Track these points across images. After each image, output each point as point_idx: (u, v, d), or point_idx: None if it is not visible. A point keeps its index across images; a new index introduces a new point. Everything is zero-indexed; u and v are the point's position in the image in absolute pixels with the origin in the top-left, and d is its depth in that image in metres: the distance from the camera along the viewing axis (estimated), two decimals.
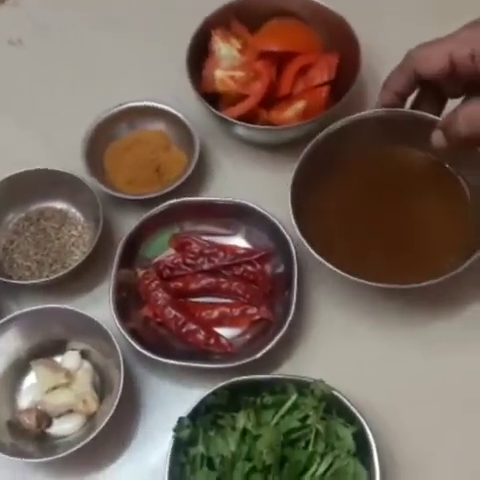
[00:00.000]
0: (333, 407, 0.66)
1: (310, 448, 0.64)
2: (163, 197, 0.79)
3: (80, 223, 0.82)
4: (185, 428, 0.65)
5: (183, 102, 0.85)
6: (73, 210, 0.82)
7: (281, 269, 0.77)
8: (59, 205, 0.83)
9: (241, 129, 0.81)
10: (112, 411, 0.66)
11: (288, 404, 0.66)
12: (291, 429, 0.64)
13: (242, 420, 0.65)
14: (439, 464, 0.69)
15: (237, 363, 0.70)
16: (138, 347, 0.70)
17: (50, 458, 0.66)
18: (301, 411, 0.65)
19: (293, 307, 0.71)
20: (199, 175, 0.85)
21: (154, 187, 0.82)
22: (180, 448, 0.65)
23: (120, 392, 0.67)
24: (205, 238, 0.80)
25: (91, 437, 0.66)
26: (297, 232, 0.72)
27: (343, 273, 0.70)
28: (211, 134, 0.87)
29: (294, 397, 0.66)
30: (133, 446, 0.71)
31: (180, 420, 0.65)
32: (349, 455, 0.63)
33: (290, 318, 0.71)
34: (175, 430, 0.65)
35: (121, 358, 0.68)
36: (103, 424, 0.66)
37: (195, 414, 0.66)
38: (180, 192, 0.80)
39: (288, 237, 0.74)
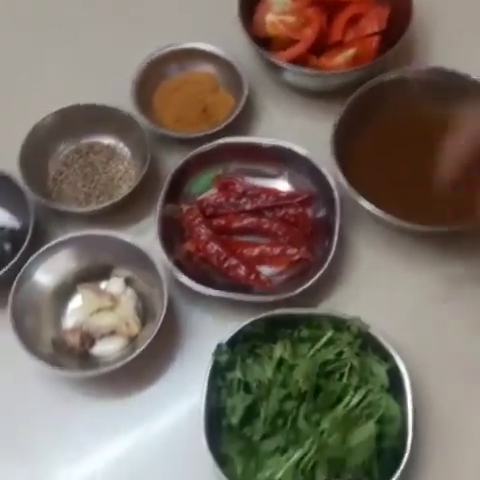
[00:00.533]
0: (368, 344, 0.68)
1: (344, 380, 0.66)
2: (209, 137, 0.81)
3: (127, 159, 0.84)
4: (223, 353, 0.68)
5: (233, 47, 0.86)
6: (121, 146, 0.85)
7: (322, 214, 0.78)
8: (108, 140, 0.85)
9: (290, 74, 0.82)
10: (154, 334, 0.69)
11: (324, 339, 0.68)
12: (326, 361, 0.67)
13: (279, 350, 0.67)
14: (474, 404, 0.70)
15: (276, 297, 0.72)
16: (181, 277, 0.73)
17: (91, 373, 0.70)
18: (336, 346, 0.67)
19: (334, 247, 0.73)
20: (245, 119, 0.86)
21: (201, 127, 0.83)
22: (218, 373, 0.68)
23: (162, 317, 0.70)
24: (248, 180, 0.82)
25: (132, 356, 0.68)
26: (339, 176, 0.74)
27: (382, 214, 0.72)
28: (259, 80, 0.88)
29: (330, 333, 0.68)
30: (171, 371, 0.74)
31: (219, 345, 0.68)
32: (382, 390, 0.66)
33: (331, 256, 0.73)
34: (214, 354, 0.68)
35: (165, 287, 0.71)
36: (144, 346, 0.69)
37: (233, 342, 0.69)
38: (226, 134, 0.82)
39: (331, 180, 0.76)
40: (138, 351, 0.69)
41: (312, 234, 0.78)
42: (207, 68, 0.87)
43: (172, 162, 0.82)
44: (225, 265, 0.75)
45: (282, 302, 0.72)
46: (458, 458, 0.69)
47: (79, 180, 0.83)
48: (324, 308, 0.75)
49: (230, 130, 0.83)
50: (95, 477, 0.70)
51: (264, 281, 0.75)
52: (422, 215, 0.72)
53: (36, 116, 0.82)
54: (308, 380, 0.65)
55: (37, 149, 0.81)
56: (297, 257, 0.76)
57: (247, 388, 0.67)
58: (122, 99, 0.83)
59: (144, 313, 0.75)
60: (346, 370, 0.66)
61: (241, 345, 0.69)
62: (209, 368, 0.67)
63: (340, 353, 0.67)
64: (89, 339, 0.73)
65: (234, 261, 0.75)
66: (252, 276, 0.75)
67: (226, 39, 0.86)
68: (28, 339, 0.70)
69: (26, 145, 0.80)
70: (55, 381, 0.74)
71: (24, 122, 0.82)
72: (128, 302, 0.74)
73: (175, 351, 0.75)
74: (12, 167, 0.79)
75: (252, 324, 0.69)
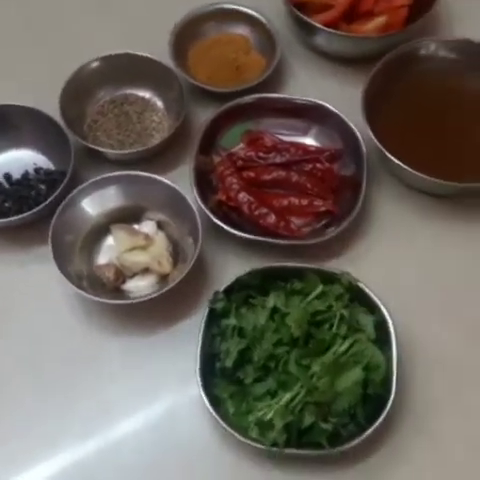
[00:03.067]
0: (356, 298, 0.71)
1: (334, 330, 0.68)
2: (241, 93, 0.84)
3: (161, 111, 0.87)
4: (219, 301, 0.70)
5: (267, 11, 0.90)
6: (155, 99, 0.88)
7: (348, 171, 0.82)
8: (143, 93, 0.88)
9: (323, 36, 0.86)
10: (187, 271, 0.72)
11: (315, 292, 0.70)
12: (317, 311, 0.69)
13: (272, 300, 0.70)
14: (457, 355, 0.74)
15: (301, 242, 0.76)
16: (215, 219, 0.76)
17: (121, 302, 0.73)
18: (327, 299, 0.70)
19: (360, 202, 0.77)
20: (275, 81, 0.90)
21: (232, 84, 0.86)
22: (214, 320, 0.70)
23: (195, 257, 0.72)
24: (277, 136, 0.84)
25: (164, 290, 0.71)
26: (368, 131, 0.78)
27: (409, 169, 0.75)
28: (290, 44, 0.93)
29: (321, 287, 0.70)
30: (194, 315, 0.75)
31: (215, 293, 0.71)
32: (369, 341, 0.68)
33: (357, 211, 0.76)
34: (210, 302, 0.71)
35: (200, 227, 0.73)
36: (175, 282, 0.71)
37: (230, 291, 0.71)
38: (257, 92, 0.85)
39: (359, 135, 0.80)
40: (169, 286, 0.72)
41: (338, 189, 0.81)
42: (241, 30, 0.91)
43: (204, 116, 0.85)
44: (256, 213, 0.78)
45: (304, 251, 0.76)
46: (440, 406, 0.72)
47: (113, 128, 0.86)
48: (342, 264, 0.77)
49: (261, 90, 0.86)
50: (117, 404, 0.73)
51: (293, 229, 0.78)
52: (446, 175, 0.76)
53: (76, 64, 0.84)
54: (300, 327, 0.67)
55: (77, 94, 0.84)
56: (323, 209, 0.79)
57: (241, 334, 0.69)
58: (158, 54, 0.86)
59: (174, 257, 0.78)
60: (336, 320, 0.69)
61: (237, 294, 0.72)
62: (205, 315, 0.70)
63: (330, 306, 0.70)
64: (122, 275, 0.76)
65: (264, 210, 0.78)
66: (282, 224, 0.78)
67: (261, 2, 0.90)
68: (65, 268, 0.73)
69: (67, 88, 0.83)
70: (87, 312, 0.76)
71: (65, 69, 0.84)
72: (161, 242, 0.77)
73: (201, 295, 0.77)
74: (53, 110, 0.81)
75: (249, 274, 0.72)
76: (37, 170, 0.83)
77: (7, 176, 0.82)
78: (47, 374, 0.74)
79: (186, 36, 0.89)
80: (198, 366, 0.68)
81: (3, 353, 0.75)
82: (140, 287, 0.76)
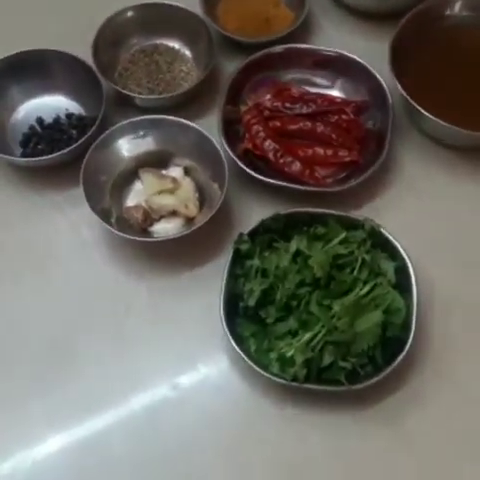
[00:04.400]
0: (378, 245, 0.72)
1: (355, 274, 0.70)
2: (269, 44, 0.86)
3: (190, 61, 0.89)
4: (244, 242, 0.72)
5: None
6: (185, 49, 0.89)
7: (374, 123, 0.83)
8: (172, 43, 0.89)
9: None
10: (212, 213, 0.74)
11: (338, 238, 0.71)
12: (339, 255, 0.71)
13: (294, 244, 0.71)
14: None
15: (322, 189, 0.78)
16: (241, 164, 0.78)
17: (148, 239, 0.76)
18: (350, 244, 0.71)
19: (384, 155, 0.78)
20: (303, 35, 0.91)
21: (261, 36, 0.88)
22: (238, 261, 0.72)
23: (221, 202, 0.74)
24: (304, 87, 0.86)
25: (189, 230, 0.74)
26: (394, 82, 0.79)
27: (436, 119, 0.77)
28: (318, 0, 0.93)
29: (344, 233, 0.71)
30: (218, 258, 0.77)
31: (240, 235, 0.73)
32: (389, 285, 0.70)
33: (381, 160, 0.78)
34: (235, 243, 0.73)
35: (226, 172, 0.75)
36: (201, 223, 0.74)
37: (254, 234, 0.73)
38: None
39: (385, 85, 0.81)
40: (195, 226, 0.74)
41: (363, 141, 0.82)
42: None
43: (231, 68, 0.87)
44: (281, 161, 0.80)
45: (329, 200, 0.77)
46: (459, 350, 0.73)
47: (143, 77, 0.87)
48: (358, 211, 0.78)
49: (289, 43, 0.86)
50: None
51: (318, 177, 0.80)
52: (472, 128, 0.77)
53: (107, 13, 0.86)
54: (322, 268, 0.69)
55: (109, 41, 0.86)
56: (348, 159, 0.81)
57: (265, 274, 0.71)
58: (189, 5, 0.87)
59: (200, 202, 0.80)
60: (357, 265, 0.70)
61: (261, 237, 0.73)
62: (230, 255, 0.72)
63: (352, 252, 0.71)
64: (150, 217, 0.78)
65: (290, 158, 0.80)
66: (306, 172, 0.79)
67: None
68: (96, 209, 0.75)
69: (100, 35, 0.84)
70: (114, 255, 0.79)
71: (96, 17, 0.86)
72: (188, 186, 0.79)
73: (225, 239, 0.78)
74: (85, 58, 0.83)
75: (273, 217, 0.74)
76: (69, 115, 0.85)
77: (40, 120, 0.84)
78: (76, 313, 0.76)
79: None
80: (222, 304, 0.70)
81: (32, 292, 0.78)
82: (167, 229, 0.78)
